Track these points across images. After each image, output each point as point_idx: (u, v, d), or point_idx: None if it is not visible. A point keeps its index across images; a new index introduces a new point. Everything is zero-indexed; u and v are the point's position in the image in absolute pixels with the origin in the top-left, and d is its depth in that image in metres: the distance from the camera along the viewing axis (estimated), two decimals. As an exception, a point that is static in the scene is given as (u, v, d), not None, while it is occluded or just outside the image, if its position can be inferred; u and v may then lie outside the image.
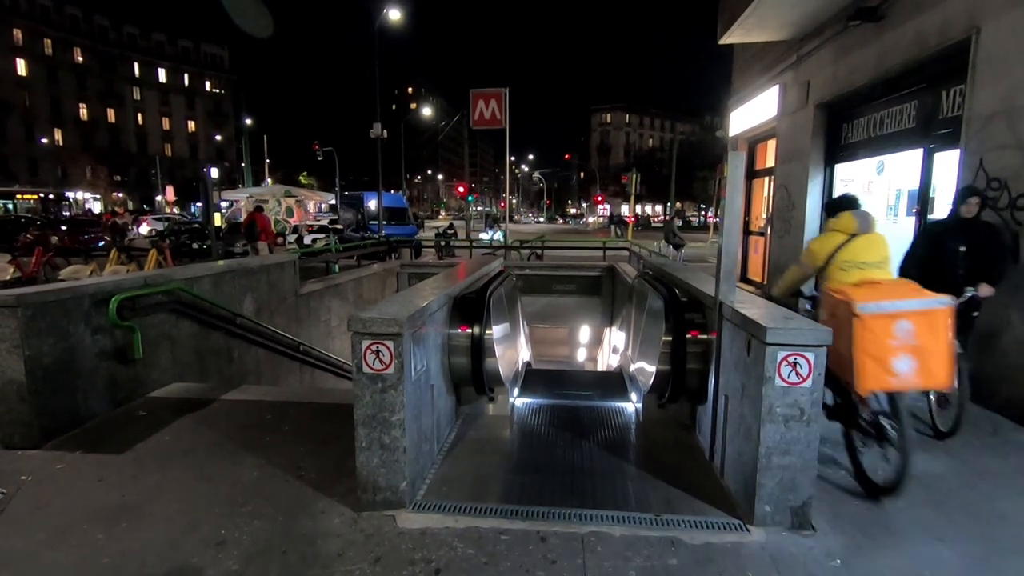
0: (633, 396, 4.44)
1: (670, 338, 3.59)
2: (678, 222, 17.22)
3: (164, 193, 42.67)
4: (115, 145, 56.62)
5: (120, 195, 54.38)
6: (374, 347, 2.63)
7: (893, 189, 6.64)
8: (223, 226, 17.76)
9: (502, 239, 17.04)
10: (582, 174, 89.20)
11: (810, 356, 2.47)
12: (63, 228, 21.81)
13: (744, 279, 10.64)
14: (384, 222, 19.53)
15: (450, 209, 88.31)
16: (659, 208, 68.07)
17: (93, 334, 3.92)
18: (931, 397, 3.85)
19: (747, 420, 2.71)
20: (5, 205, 45.05)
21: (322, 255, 11.74)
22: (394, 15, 18.94)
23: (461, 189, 38.31)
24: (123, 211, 38.82)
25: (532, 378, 5.13)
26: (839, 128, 7.57)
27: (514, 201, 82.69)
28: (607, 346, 11.45)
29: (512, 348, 4.96)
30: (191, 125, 64.64)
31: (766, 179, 10.09)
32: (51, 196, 48.44)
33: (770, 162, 9.63)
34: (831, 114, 7.66)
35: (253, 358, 6.09)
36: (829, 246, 3.48)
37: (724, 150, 12.78)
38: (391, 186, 42.85)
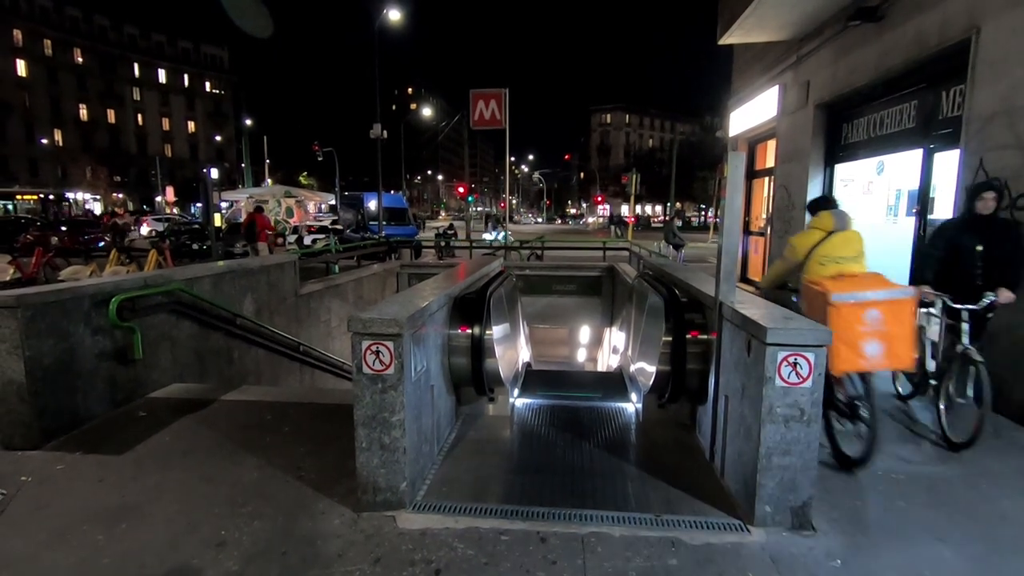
0: (633, 396, 4.44)
1: (670, 338, 3.59)
2: (678, 222, 17.21)
3: (164, 194, 42.69)
4: (115, 146, 56.63)
5: (120, 196, 54.40)
6: (374, 347, 2.63)
7: (893, 189, 6.64)
8: (223, 227, 17.75)
9: (502, 239, 17.03)
10: (582, 174, 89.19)
11: (810, 356, 2.47)
12: (63, 229, 21.80)
13: (744, 279, 10.64)
14: (384, 222, 19.54)
15: (450, 209, 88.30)
16: (659, 208, 68.06)
17: (93, 335, 3.91)
18: (941, 407, 3.72)
19: (747, 420, 2.71)
20: (5, 206, 45.08)
21: (322, 255, 11.74)
22: (394, 15, 18.95)
23: (461, 189, 38.33)
24: (123, 211, 38.84)
25: (532, 378, 5.13)
26: (839, 128, 7.57)
27: (514, 201, 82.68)
28: (607, 346, 11.44)
29: (512, 348, 4.95)
30: (191, 126, 64.66)
31: (766, 179, 10.09)
32: (51, 197, 48.46)
33: (770, 162, 9.63)
34: (831, 114, 7.66)
35: (253, 358, 6.09)
36: (809, 242, 3.76)
37: (724, 150, 12.79)
38: (391, 186, 42.86)
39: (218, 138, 64.70)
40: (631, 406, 4.32)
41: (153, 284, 4.51)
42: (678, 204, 45.45)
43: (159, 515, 2.76)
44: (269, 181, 45.30)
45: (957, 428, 3.58)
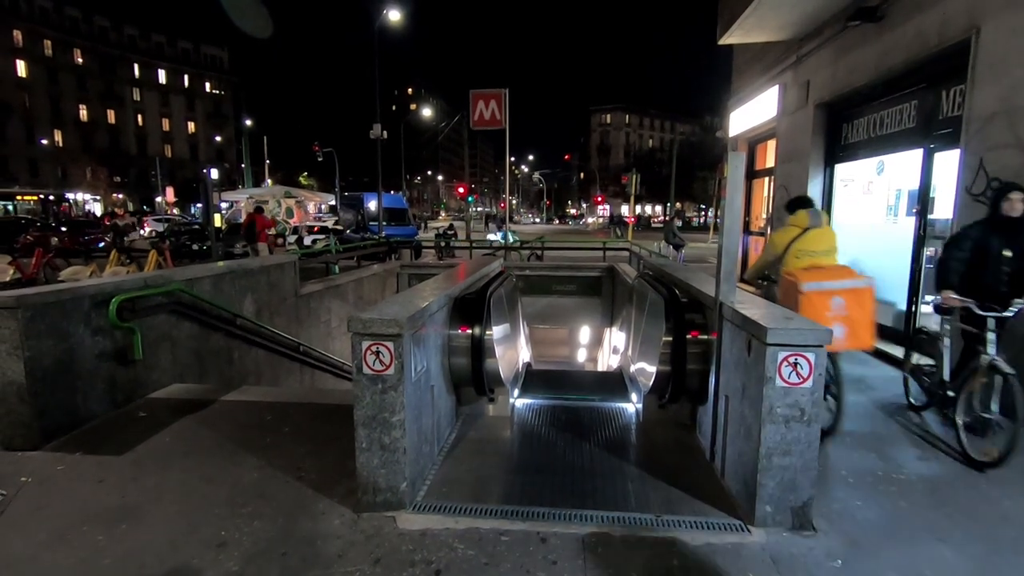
0: (633, 396, 4.44)
1: (670, 338, 3.59)
2: (678, 222, 17.23)
3: (164, 194, 42.74)
4: (115, 146, 56.64)
5: (120, 196, 54.42)
6: (374, 348, 2.63)
7: (893, 189, 6.64)
8: (223, 227, 17.76)
9: (511, 239, 17.02)
10: (582, 174, 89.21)
11: (811, 356, 2.47)
12: (63, 229, 21.80)
13: (744, 279, 10.63)
14: (384, 223, 19.54)
15: (450, 210, 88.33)
16: (659, 208, 68.07)
17: (93, 335, 3.91)
18: (959, 421, 3.47)
19: (747, 420, 2.71)
20: (5, 206, 45.09)
21: (322, 256, 11.74)
22: (394, 15, 18.96)
23: (461, 190, 38.33)
24: (123, 212, 38.86)
25: (532, 378, 5.13)
26: (839, 128, 7.56)
27: (514, 202, 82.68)
28: (607, 346, 11.44)
29: (512, 349, 4.95)
30: (191, 126, 64.67)
31: (766, 179, 10.09)
32: (51, 197, 48.48)
33: (770, 162, 9.63)
34: (831, 114, 7.66)
35: (253, 359, 6.09)
36: (787, 238, 4.16)
37: (724, 150, 12.78)
38: (391, 187, 42.87)
39: (218, 138, 64.71)
40: (631, 406, 4.32)
41: (153, 285, 4.51)
42: (678, 204, 45.49)
43: (159, 515, 2.76)
44: (269, 181, 45.32)
45: (979, 445, 3.40)
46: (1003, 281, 3.57)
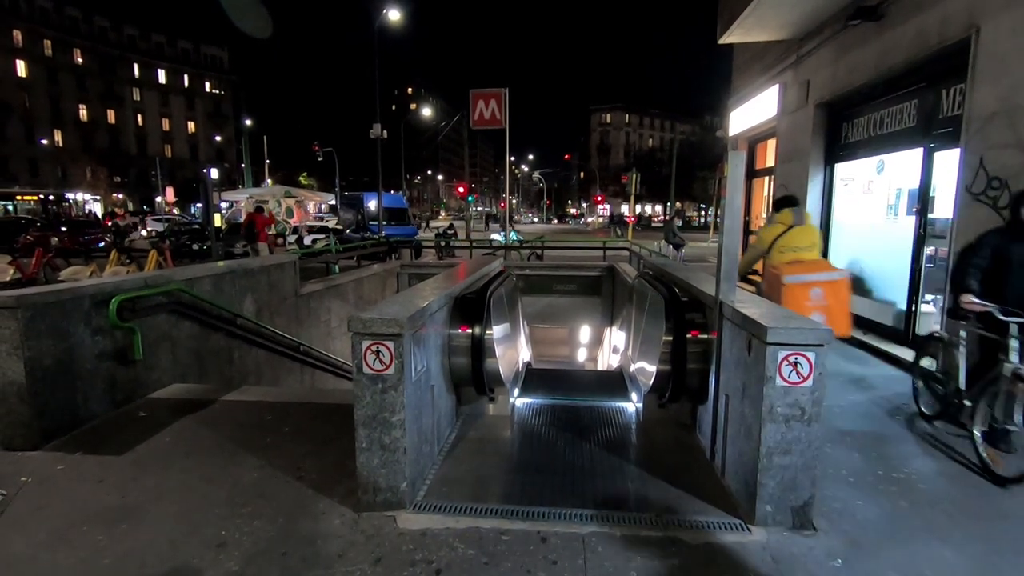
0: (633, 396, 4.44)
1: (670, 338, 3.58)
2: (678, 222, 17.23)
3: (164, 194, 42.70)
4: (115, 146, 56.65)
5: (120, 196, 54.43)
6: (374, 347, 2.63)
7: (893, 188, 6.63)
8: (223, 227, 17.76)
9: (514, 238, 16.98)
10: (582, 174, 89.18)
11: (811, 355, 2.47)
12: (63, 229, 21.80)
13: (744, 279, 10.64)
14: (384, 222, 19.53)
15: (450, 209, 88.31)
16: (659, 208, 68.06)
17: (93, 335, 3.91)
18: (976, 433, 3.31)
19: (748, 420, 2.71)
20: (5, 206, 45.08)
21: (322, 256, 11.74)
22: (394, 15, 18.95)
23: (461, 189, 38.30)
24: (123, 213, 38.86)
25: (532, 378, 5.13)
26: (839, 127, 7.56)
27: (514, 201, 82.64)
28: (607, 346, 11.44)
29: (512, 348, 4.95)
30: (191, 126, 64.67)
31: (766, 178, 10.09)
32: (51, 197, 48.48)
33: (770, 161, 9.63)
34: (831, 113, 7.65)
35: (253, 359, 6.08)
36: (772, 234, 4.58)
37: (724, 150, 12.78)
38: (391, 186, 42.88)
39: (218, 138, 64.70)
40: (631, 406, 4.32)
41: (153, 284, 4.50)
42: (678, 204, 45.47)
43: (159, 515, 2.76)
44: (269, 181, 45.32)
45: (1001, 458, 3.24)
46: None
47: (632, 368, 4.83)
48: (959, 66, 4.98)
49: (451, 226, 26.46)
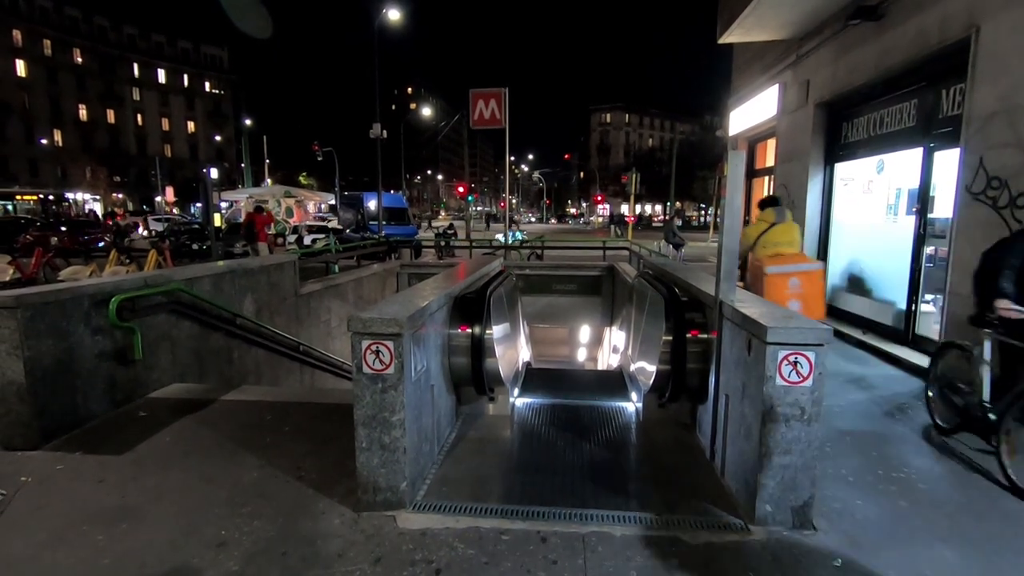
0: (633, 396, 4.44)
1: (670, 337, 3.58)
2: (678, 221, 17.23)
3: (164, 194, 42.71)
4: (115, 146, 56.63)
5: (120, 196, 54.41)
6: (374, 347, 2.63)
7: (893, 188, 6.63)
8: (223, 227, 17.75)
9: (519, 237, 16.94)
10: (582, 174, 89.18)
11: (811, 355, 2.46)
12: (63, 229, 21.79)
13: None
14: (384, 222, 19.53)
15: (450, 209, 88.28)
16: (659, 208, 68.05)
17: (93, 335, 3.91)
18: (1003, 448, 3.11)
19: (748, 419, 2.70)
20: (5, 206, 45.06)
21: (322, 255, 11.73)
22: (394, 15, 18.95)
23: (461, 189, 38.31)
24: (122, 213, 38.85)
25: (532, 378, 5.13)
26: (839, 127, 7.56)
27: (514, 201, 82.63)
28: (607, 346, 11.44)
29: (512, 348, 4.95)
30: (191, 126, 64.65)
31: (766, 178, 10.08)
32: (51, 197, 48.46)
33: (770, 161, 9.62)
34: (831, 113, 7.65)
35: (253, 359, 6.08)
36: (757, 231, 5.18)
37: (724, 149, 12.78)
38: (391, 186, 42.87)
39: (218, 138, 64.67)
40: (631, 405, 4.32)
41: (153, 284, 4.50)
42: (678, 203, 45.45)
43: (159, 515, 2.76)
44: (269, 181, 45.30)
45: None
46: None
47: (632, 368, 4.83)
48: (959, 66, 4.98)
49: (451, 226, 26.46)
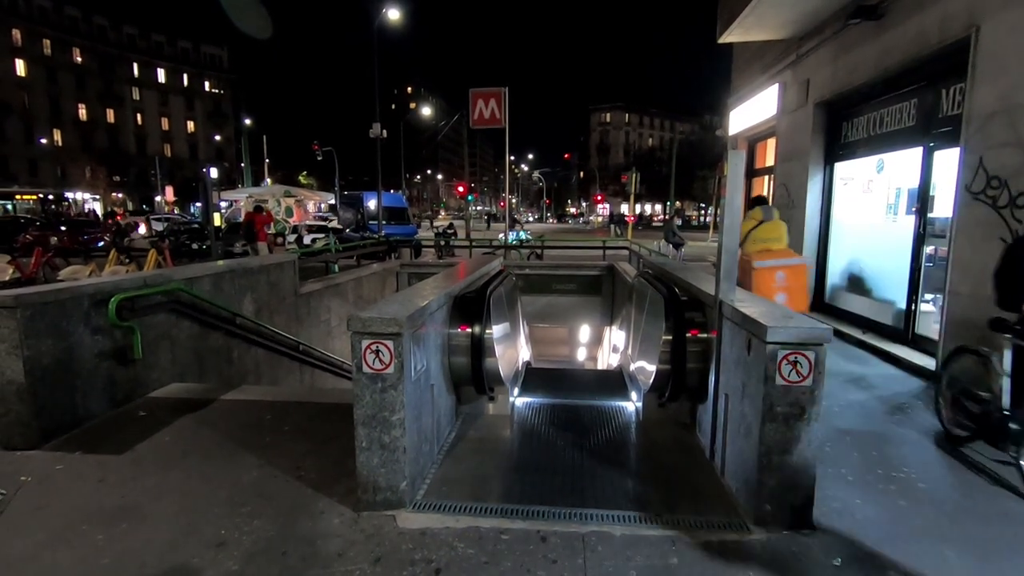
0: (633, 395, 4.44)
1: (670, 337, 3.58)
2: (678, 221, 17.22)
3: (163, 193, 42.70)
4: (114, 146, 56.62)
5: (119, 195, 54.39)
6: (374, 347, 2.63)
7: (893, 187, 6.63)
8: (223, 226, 17.74)
9: (523, 237, 16.92)
10: (582, 173, 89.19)
11: (810, 355, 2.46)
12: (62, 228, 21.78)
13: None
14: (384, 222, 19.53)
15: (450, 209, 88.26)
16: (659, 207, 68.06)
17: (92, 334, 3.91)
18: (1022, 458, 3.00)
19: (747, 419, 2.70)
20: (4, 206, 45.04)
21: (322, 255, 11.74)
22: (393, 15, 18.95)
23: (461, 189, 38.26)
24: (122, 212, 38.84)
25: (532, 377, 5.13)
26: (839, 126, 7.56)
27: (514, 200, 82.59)
28: (607, 345, 11.45)
29: (512, 347, 4.95)
30: (190, 125, 64.64)
31: (766, 178, 10.08)
32: (50, 197, 48.43)
33: (770, 161, 9.62)
34: (831, 112, 7.65)
35: (253, 358, 6.08)
36: (747, 228, 5.59)
37: (724, 149, 12.78)
38: (391, 186, 42.84)
39: (217, 138, 64.67)
40: (631, 405, 4.32)
41: (152, 284, 4.50)
42: (678, 203, 45.44)
43: (159, 515, 2.76)
44: (269, 181, 45.28)
45: None
46: None
47: (632, 367, 4.83)
48: (959, 65, 4.97)
49: (451, 225, 26.46)
